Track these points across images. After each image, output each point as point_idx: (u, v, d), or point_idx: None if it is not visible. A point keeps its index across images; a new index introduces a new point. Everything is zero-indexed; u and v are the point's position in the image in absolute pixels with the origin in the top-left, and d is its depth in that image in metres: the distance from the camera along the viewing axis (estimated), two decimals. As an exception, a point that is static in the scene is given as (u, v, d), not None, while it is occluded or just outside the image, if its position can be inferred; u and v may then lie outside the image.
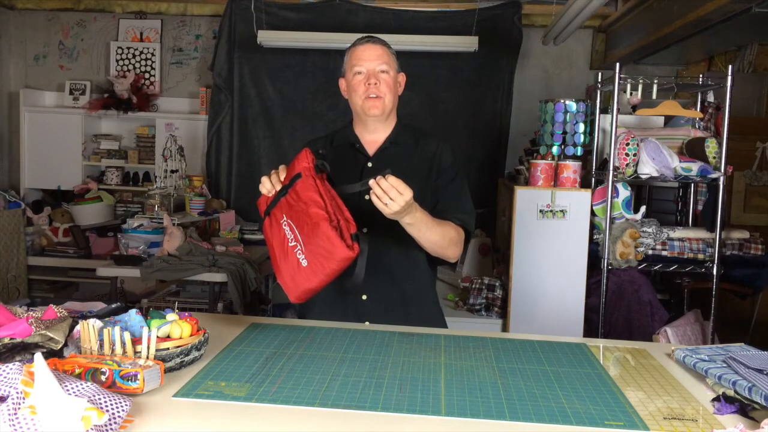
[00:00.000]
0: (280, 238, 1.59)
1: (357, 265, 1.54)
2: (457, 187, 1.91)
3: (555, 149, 3.05)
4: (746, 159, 4.48)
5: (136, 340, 1.31)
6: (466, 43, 4.34)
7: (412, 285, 1.92)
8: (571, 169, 2.99)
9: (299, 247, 1.54)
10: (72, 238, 3.97)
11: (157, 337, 1.33)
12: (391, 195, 1.54)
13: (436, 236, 1.76)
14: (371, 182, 1.55)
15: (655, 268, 2.97)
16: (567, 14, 3.61)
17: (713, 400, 1.30)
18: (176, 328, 1.37)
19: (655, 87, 3.06)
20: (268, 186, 1.64)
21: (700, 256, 2.96)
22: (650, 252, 2.96)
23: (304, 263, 1.53)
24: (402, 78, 1.97)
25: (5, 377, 1.04)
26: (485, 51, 4.42)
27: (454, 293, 3.42)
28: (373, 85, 1.86)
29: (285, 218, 1.58)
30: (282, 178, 1.64)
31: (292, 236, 1.55)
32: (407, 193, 1.56)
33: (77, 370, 1.19)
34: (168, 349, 1.33)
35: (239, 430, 1.13)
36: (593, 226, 3.00)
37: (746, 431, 1.10)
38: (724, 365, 1.37)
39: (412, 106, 4.45)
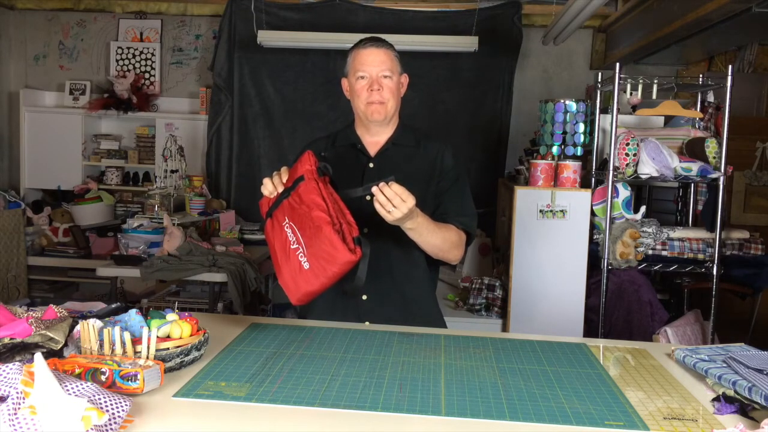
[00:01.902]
0: (281, 240, 1.58)
1: (359, 268, 1.54)
2: (458, 190, 1.92)
3: (555, 149, 3.04)
4: (746, 159, 4.48)
5: (136, 340, 1.31)
6: (466, 43, 4.34)
7: (413, 285, 1.92)
8: (571, 169, 2.99)
9: (301, 249, 1.54)
10: (72, 238, 3.97)
11: (157, 337, 1.33)
12: (394, 203, 1.54)
13: (437, 240, 1.76)
14: (374, 189, 1.55)
15: (655, 268, 2.97)
16: (567, 14, 3.61)
17: (713, 400, 1.30)
18: (176, 328, 1.37)
19: (655, 87, 3.05)
20: (269, 187, 1.64)
21: (700, 256, 2.96)
22: (650, 252, 2.96)
23: (306, 266, 1.53)
24: (405, 79, 1.97)
25: (5, 377, 1.04)
26: (485, 51, 4.42)
27: (454, 293, 3.42)
28: (375, 91, 1.86)
29: (287, 220, 1.58)
30: (284, 180, 1.64)
31: (294, 239, 1.55)
32: (410, 201, 1.56)
33: (77, 370, 1.19)
34: (168, 349, 1.33)
35: (239, 430, 1.13)
36: (593, 226, 3.00)
37: (746, 431, 1.10)
38: (724, 365, 1.37)
39: (412, 106, 4.44)
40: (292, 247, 1.55)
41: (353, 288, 1.59)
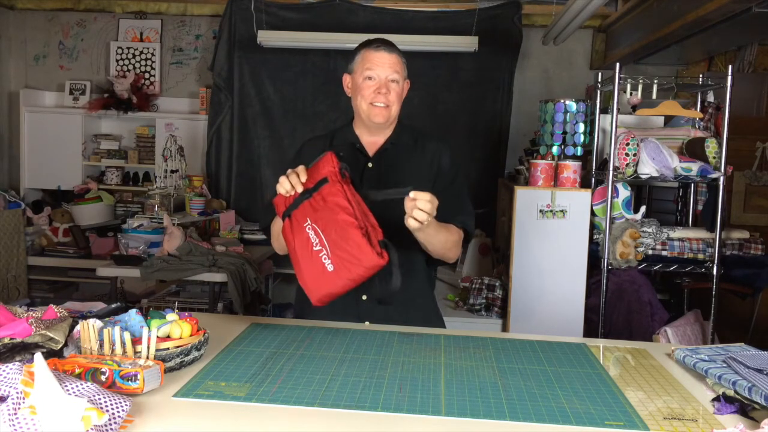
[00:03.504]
0: (302, 241, 1.58)
1: (393, 274, 1.55)
2: (457, 189, 1.92)
3: (555, 149, 3.04)
4: (746, 159, 4.47)
5: (136, 340, 1.31)
6: (466, 43, 4.34)
7: (412, 286, 1.92)
8: (571, 169, 2.99)
9: (325, 251, 1.53)
10: (72, 238, 3.97)
11: (157, 337, 1.33)
12: (427, 209, 1.55)
13: (441, 240, 1.77)
14: (412, 194, 1.54)
15: (655, 268, 2.97)
16: (567, 14, 3.61)
17: (713, 400, 1.30)
18: (176, 328, 1.37)
19: (655, 87, 3.06)
20: (287, 186, 1.61)
21: (700, 256, 2.96)
22: (650, 252, 2.96)
23: (330, 268, 1.53)
24: (407, 85, 1.97)
25: (5, 377, 1.04)
26: (485, 51, 4.41)
27: (454, 293, 3.42)
28: (383, 95, 1.86)
29: (309, 222, 1.57)
30: (303, 179, 1.62)
31: (317, 240, 1.55)
32: (436, 202, 1.58)
33: (77, 370, 1.19)
34: (168, 349, 1.33)
35: (239, 430, 1.13)
36: (593, 226, 3.00)
37: (746, 431, 1.10)
38: (724, 365, 1.37)
39: (412, 106, 4.43)
40: (315, 248, 1.55)
41: (389, 293, 1.59)
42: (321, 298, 1.57)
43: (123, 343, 1.29)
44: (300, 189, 1.61)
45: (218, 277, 3.33)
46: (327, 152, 1.64)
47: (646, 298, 2.99)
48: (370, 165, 1.91)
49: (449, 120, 4.62)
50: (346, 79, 1.97)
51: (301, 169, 1.64)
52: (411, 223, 1.56)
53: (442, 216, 1.83)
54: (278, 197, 1.65)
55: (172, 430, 1.11)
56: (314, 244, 1.55)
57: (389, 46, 1.91)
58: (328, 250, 1.53)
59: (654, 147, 2.82)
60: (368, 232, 1.52)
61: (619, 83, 2.85)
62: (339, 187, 1.56)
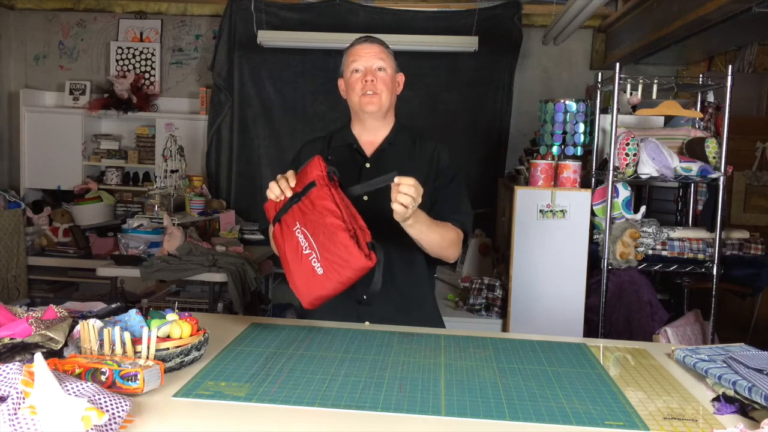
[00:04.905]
0: (293, 245, 1.58)
1: (375, 275, 1.54)
2: (455, 188, 1.92)
3: (555, 149, 3.04)
4: (746, 159, 4.48)
5: (136, 340, 1.31)
6: (466, 43, 4.34)
7: (412, 286, 1.92)
8: (571, 169, 2.99)
9: (314, 255, 1.54)
10: (72, 238, 3.97)
11: (157, 337, 1.33)
12: (412, 193, 1.54)
13: (436, 237, 1.76)
14: (396, 179, 1.54)
15: (655, 268, 2.97)
16: (567, 14, 3.61)
17: (713, 400, 1.30)
18: (176, 328, 1.37)
19: (655, 87, 3.05)
20: (276, 191, 1.62)
21: (700, 256, 2.96)
22: (650, 252, 2.96)
23: (320, 271, 1.53)
24: (400, 78, 1.97)
25: (5, 377, 1.04)
26: (485, 51, 4.42)
27: (454, 293, 3.42)
28: (369, 83, 1.87)
29: (299, 226, 1.57)
30: (291, 184, 1.63)
31: (307, 244, 1.55)
32: (420, 188, 1.57)
33: (77, 370, 1.19)
34: (168, 349, 1.33)
35: (239, 430, 1.13)
36: (593, 226, 3.00)
37: (746, 431, 1.10)
38: (724, 365, 1.37)
39: (412, 106, 4.45)
40: (304, 252, 1.55)
41: (370, 294, 1.59)
42: (312, 302, 1.58)
43: (123, 343, 1.29)
44: (289, 193, 1.61)
45: (218, 277, 3.33)
46: (315, 156, 1.64)
47: (646, 298, 2.99)
48: (367, 165, 1.91)
49: (449, 120, 4.62)
50: (341, 84, 1.98)
51: (290, 173, 1.65)
52: (396, 207, 1.55)
53: (439, 214, 1.83)
54: (269, 202, 1.65)
55: (172, 430, 1.11)
56: (304, 248, 1.55)
57: (371, 38, 1.94)
58: (318, 253, 1.53)
59: (654, 147, 2.82)
60: (356, 234, 1.52)
61: (619, 83, 2.85)
62: (327, 190, 1.57)
